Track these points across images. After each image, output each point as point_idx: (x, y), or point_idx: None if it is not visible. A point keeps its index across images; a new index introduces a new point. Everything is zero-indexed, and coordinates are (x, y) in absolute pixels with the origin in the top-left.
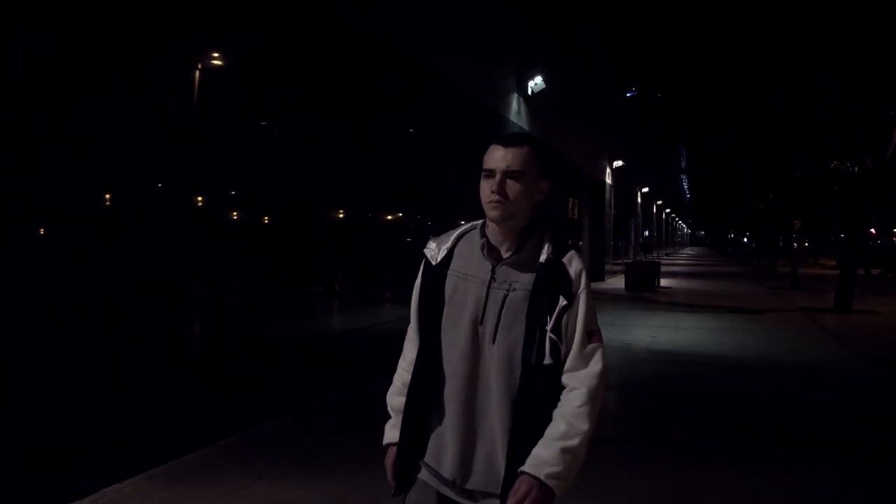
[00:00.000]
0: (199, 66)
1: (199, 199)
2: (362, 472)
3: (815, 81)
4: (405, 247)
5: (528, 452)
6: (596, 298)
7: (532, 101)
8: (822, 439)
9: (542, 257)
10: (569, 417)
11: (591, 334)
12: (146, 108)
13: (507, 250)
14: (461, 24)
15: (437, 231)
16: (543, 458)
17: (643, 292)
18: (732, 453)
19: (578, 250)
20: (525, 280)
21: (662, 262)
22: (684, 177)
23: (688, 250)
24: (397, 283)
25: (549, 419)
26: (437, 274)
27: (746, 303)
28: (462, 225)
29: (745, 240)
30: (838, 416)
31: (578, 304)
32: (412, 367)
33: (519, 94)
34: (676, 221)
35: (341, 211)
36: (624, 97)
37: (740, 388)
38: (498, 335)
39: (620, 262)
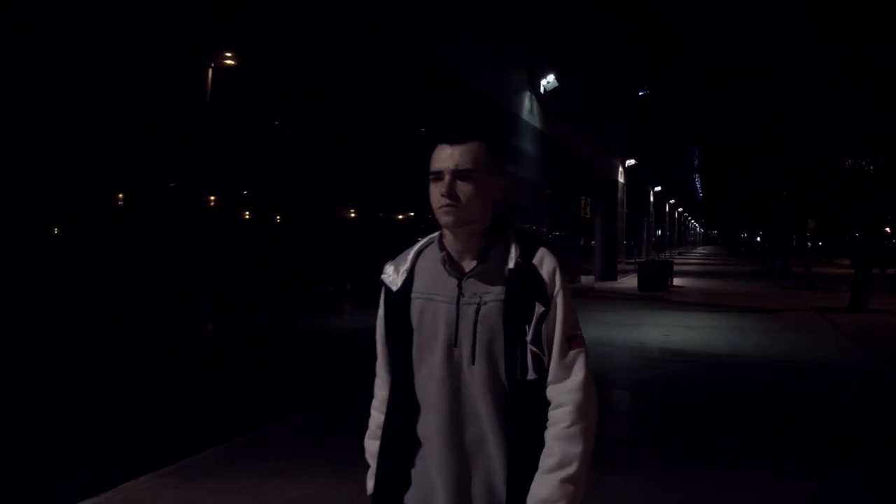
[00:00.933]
0: (212, 65)
1: (212, 198)
2: None
3: (828, 80)
4: None
5: (529, 476)
6: (608, 298)
7: (544, 100)
8: (835, 439)
9: (511, 262)
10: (561, 442)
11: (572, 340)
12: (158, 107)
13: (472, 260)
14: (473, 21)
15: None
16: (543, 497)
17: (656, 291)
18: (745, 453)
19: (549, 246)
20: (496, 290)
21: (675, 261)
22: (697, 176)
23: (700, 249)
24: None
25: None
26: (400, 300)
27: (760, 302)
28: (420, 241)
29: (758, 239)
30: (852, 416)
31: (556, 308)
32: (385, 406)
33: (531, 93)
34: (689, 220)
35: (352, 210)
36: (636, 96)
37: (754, 387)
38: (477, 355)
39: (633, 261)
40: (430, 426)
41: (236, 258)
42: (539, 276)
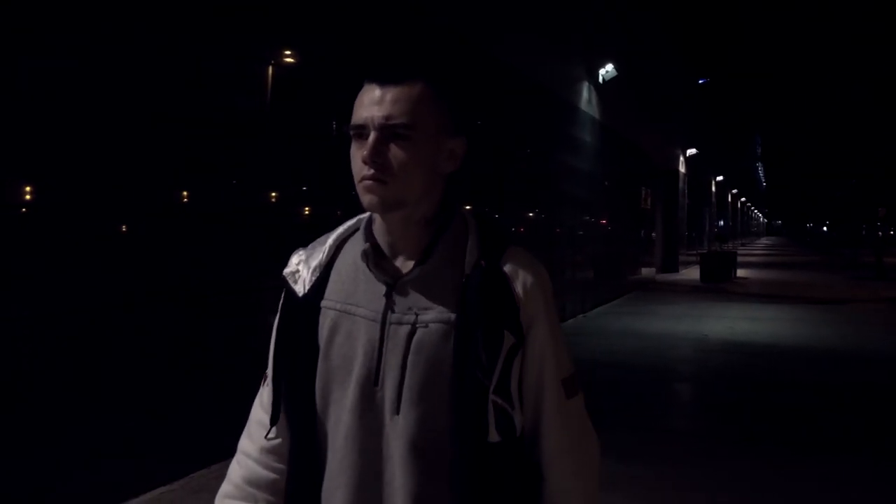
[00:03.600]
0: (272, 62)
1: (273, 195)
2: None
3: None
4: None
5: None
6: (670, 290)
7: (603, 90)
8: None
9: (468, 266)
10: None
11: (570, 383)
12: (216, 104)
13: (409, 258)
14: (530, 10)
15: (512, 223)
16: None
17: (719, 283)
18: (812, 445)
19: (520, 245)
20: (443, 306)
21: (738, 252)
22: (760, 165)
23: (764, 240)
24: None
25: None
26: (306, 310)
27: (827, 293)
28: (350, 222)
29: (825, 229)
30: None
31: (539, 336)
32: (263, 456)
33: (590, 83)
34: (752, 210)
35: None
36: (697, 84)
37: (822, 380)
38: (404, 402)
39: (695, 252)
40: (335, 499)
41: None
42: (509, 289)
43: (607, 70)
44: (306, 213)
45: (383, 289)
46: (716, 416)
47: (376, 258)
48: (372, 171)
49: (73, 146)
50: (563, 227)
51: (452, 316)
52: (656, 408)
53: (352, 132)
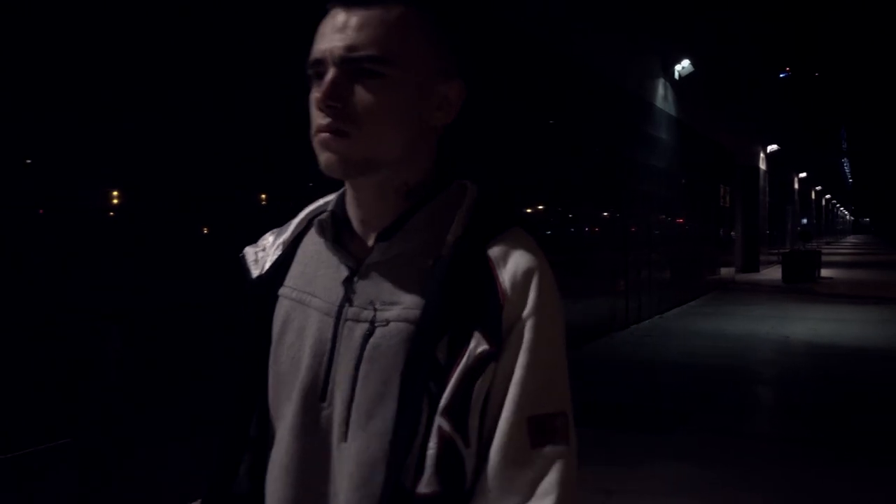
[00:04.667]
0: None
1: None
2: None
3: None
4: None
5: None
6: (751, 290)
7: (679, 86)
8: None
9: (447, 245)
10: None
11: (544, 427)
12: (268, 108)
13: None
14: (603, 8)
15: (587, 223)
16: None
17: (802, 283)
18: None
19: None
20: (411, 298)
21: (822, 251)
22: (846, 160)
23: (850, 238)
24: None
25: None
26: (261, 296)
27: None
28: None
29: None
30: None
31: (516, 344)
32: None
33: (665, 79)
34: (837, 208)
35: None
36: (778, 78)
37: None
38: (352, 426)
39: (776, 251)
40: None
41: None
42: (491, 278)
43: (683, 66)
44: None
45: (344, 274)
46: (798, 421)
47: (337, 233)
48: (328, 119)
49: (163, 152)
50: (638, 226)
51: (419, 313)
52: (737, 411)
53: (309, 71)
